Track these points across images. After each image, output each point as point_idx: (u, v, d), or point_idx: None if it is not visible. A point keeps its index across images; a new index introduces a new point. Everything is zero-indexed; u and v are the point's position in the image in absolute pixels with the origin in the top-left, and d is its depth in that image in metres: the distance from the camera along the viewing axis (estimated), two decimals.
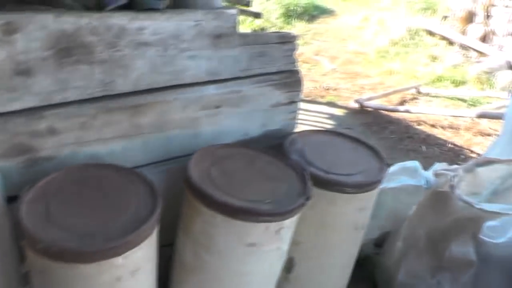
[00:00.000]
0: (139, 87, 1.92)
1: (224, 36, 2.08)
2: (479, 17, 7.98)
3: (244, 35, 2.16)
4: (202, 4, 2.06)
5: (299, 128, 2.44)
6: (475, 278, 2.23)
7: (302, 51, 7.82)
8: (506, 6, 7.57)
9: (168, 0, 2.02)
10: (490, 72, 6.82)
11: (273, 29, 8.60)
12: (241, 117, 2.26)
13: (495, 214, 2.12)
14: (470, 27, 8.06)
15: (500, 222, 2.24)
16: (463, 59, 7.50)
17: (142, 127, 1.95)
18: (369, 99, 5.89)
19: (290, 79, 2.36)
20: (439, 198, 2.26)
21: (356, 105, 5.75)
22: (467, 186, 2.35)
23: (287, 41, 2.31)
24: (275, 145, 2.27)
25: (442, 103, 6.21)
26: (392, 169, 2.85)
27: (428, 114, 5.30)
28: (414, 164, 2.83)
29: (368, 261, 2.73)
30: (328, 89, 6.34)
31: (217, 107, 2.15)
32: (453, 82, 6.81)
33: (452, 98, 6.30)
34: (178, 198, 1.91)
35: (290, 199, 1.83)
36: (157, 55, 1.92)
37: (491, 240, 2.22)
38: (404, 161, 3.06)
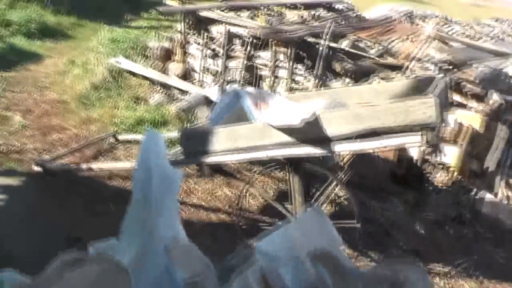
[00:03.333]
0: None
1: None
2: (177, 55, 8.02)
3: None
4: None
5: None
6: None
7: None
8: (198, 43, 7.72)
9: None
10: (189, 109, 6.80)
11: None
12: None
13: None
14: (170, 65, 8.05)
15: None
16: (166, 98, 7.41)
17: None
18: (55, 158, 5.30)
19: None
20: None
21: (39, 169, 5.11)
22: None
23: None
24: None
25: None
26: None
27: (115, 168, 4.90)
28: None
29: None
30: (9, 153, 5.56)
31: None
32: (153, 124, 6.61)
33: None
34: None
35: None
36: None
37: None
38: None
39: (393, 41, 7.82)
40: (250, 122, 3.94)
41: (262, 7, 8.81)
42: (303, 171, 3.94)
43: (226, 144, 3.80)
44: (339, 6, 10.78)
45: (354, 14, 9.88)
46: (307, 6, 9.69)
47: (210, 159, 3.89)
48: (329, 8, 10.14)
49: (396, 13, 11.19)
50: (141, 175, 3.14)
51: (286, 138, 3.62)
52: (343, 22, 8.74)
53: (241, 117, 4.02)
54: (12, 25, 10.85)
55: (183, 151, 4.01)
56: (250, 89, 4.21)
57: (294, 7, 9.46)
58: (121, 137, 6.11)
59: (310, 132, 3.50)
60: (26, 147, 5.74)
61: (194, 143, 3.95)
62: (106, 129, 6.41)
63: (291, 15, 8.80)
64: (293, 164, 3.90)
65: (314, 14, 8.53)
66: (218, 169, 5.05)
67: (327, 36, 6.72)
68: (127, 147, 5.99)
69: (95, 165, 4.88)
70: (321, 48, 6.74)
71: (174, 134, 6.00)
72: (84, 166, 4.91)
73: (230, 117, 4.07)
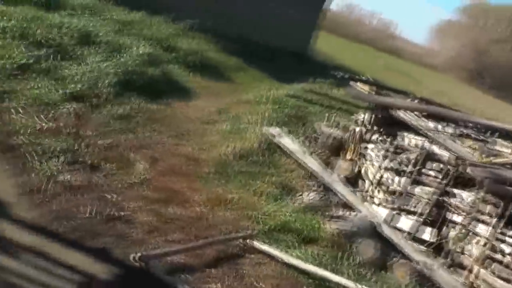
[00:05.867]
0: None
1: None
2: (349, 152, 6.32)
3: None
4: None
5: None
6: None
7: (118, 143, 5.58)
8: (380, 148, 5.96)
9: None
10: (351, 236, 5.02)
11: (98, 102, 6.32)
12: None
13: None
14: (339, 162, 6.34)
15: None
16: (321, 202, 5.69)
17: None
18: (164, 254, 3.75)
19: None
20: None
21: (139, 264, 3.57)
22: None
23: None
24: None
25: (273, 273, 4.24)
26: None
27: None
28: None
29: None
30: (111, 220, 4.09)
31: None
32: (299, 236, 4.88)
33: (290, 266, 4.35)
34: None
35: None
36: None
37: None
38: None
39: None
40: None
41: (465, 123, 6.89)
42: None
43: None
44: None
45: None
46: None
47: None
48: None
49: None
50: None
51: None
52: None
53: None
54: (175, 52, 9.99)
55: None
56: None
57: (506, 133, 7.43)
58: (255, 243, 4.48)
59: None
60: (135, 218, 4.26)
61: None
62: (237, 222, 4.82)
63: (503, 148, 6.80)
64: None
65: None
66: None
67: None
68: (258, 263, 4.32)
69: None
70: None
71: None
72: None
73: None
